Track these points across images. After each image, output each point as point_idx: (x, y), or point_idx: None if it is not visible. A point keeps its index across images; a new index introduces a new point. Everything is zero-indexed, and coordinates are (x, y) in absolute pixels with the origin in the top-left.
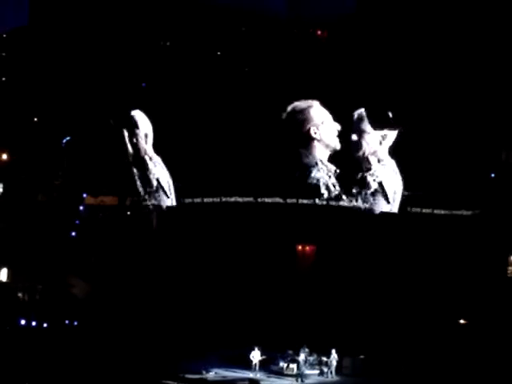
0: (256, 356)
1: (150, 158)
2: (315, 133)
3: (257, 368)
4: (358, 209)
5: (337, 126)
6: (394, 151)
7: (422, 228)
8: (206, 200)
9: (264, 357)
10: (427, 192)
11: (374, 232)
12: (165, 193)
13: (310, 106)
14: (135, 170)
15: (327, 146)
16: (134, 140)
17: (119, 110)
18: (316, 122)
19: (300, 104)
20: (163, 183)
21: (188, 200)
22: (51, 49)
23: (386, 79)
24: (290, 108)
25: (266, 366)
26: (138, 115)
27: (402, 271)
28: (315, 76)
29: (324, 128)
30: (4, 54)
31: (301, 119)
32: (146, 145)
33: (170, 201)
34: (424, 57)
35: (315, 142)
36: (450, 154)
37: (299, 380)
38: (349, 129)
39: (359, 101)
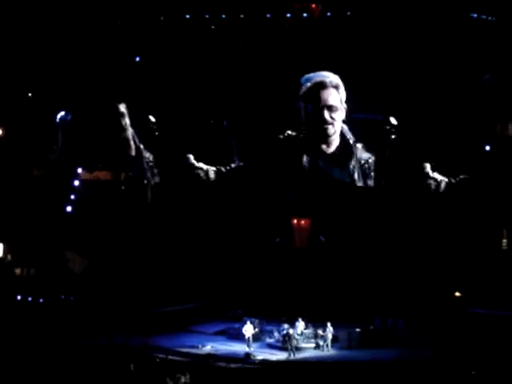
0: (248, 330)
1: None
2: None
3: (250, 342)
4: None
5: None
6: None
7: (414, 200)
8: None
9: (256, 330)
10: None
11: (370, 204)
12: None
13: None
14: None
15: None
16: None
17: (113, 85)
18: None
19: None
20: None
21: None
22: (44, 22)
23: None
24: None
25: (262, 340)
26: None
27: (395, 243)
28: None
29: None
30: None
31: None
32: None
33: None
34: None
35: None
36: (445, 127)
37: (291, 354)
38: None
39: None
